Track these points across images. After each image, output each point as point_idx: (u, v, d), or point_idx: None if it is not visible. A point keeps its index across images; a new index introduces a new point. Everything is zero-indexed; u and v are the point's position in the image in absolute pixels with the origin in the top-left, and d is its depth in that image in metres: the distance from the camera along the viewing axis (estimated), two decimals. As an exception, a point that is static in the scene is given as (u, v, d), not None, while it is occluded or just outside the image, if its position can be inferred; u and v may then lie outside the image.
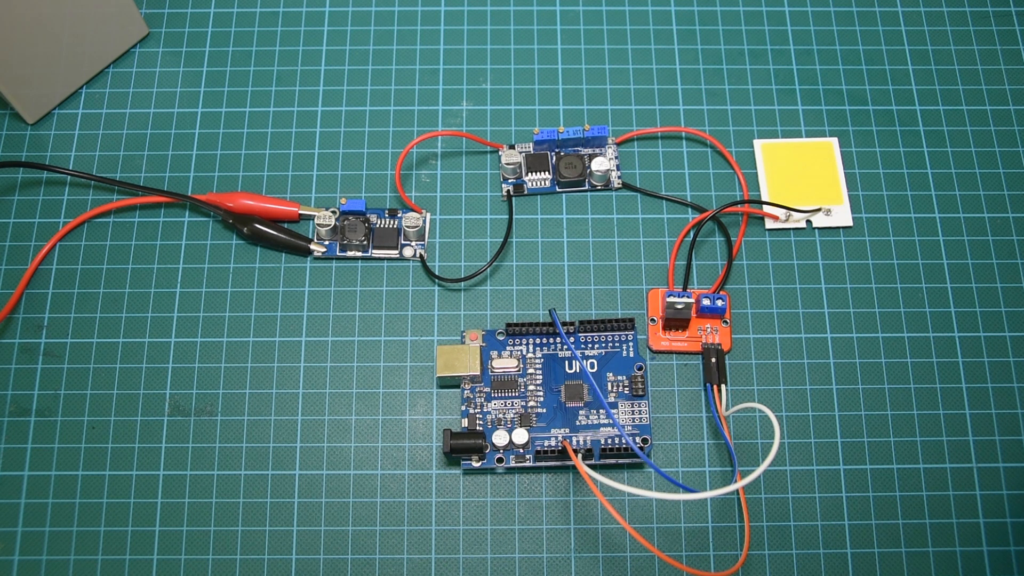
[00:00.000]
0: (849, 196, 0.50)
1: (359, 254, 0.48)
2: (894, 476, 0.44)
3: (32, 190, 0.50)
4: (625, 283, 0.48)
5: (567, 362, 0.45)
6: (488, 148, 0.51)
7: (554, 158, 0.50)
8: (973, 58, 0.53)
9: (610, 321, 0.46)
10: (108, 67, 0.53)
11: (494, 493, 0.44)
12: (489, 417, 0.44)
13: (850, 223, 0.49)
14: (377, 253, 0.48)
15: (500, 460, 0.44)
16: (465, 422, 0.44)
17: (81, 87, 0.53)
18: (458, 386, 0.46)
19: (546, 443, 0.44)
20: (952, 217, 0.49)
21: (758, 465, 0.45)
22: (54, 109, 0.52)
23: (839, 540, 0.43)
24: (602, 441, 0.44)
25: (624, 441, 0.43)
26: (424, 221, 0.49)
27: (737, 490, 0.42)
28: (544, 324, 0.45)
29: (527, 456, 0.44)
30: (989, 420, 0.45)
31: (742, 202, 0.49)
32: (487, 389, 0.45)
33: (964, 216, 0.49)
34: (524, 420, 0.44)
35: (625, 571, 0.43)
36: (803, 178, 0.50)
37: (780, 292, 0.48)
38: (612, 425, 0.44)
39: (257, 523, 0.44)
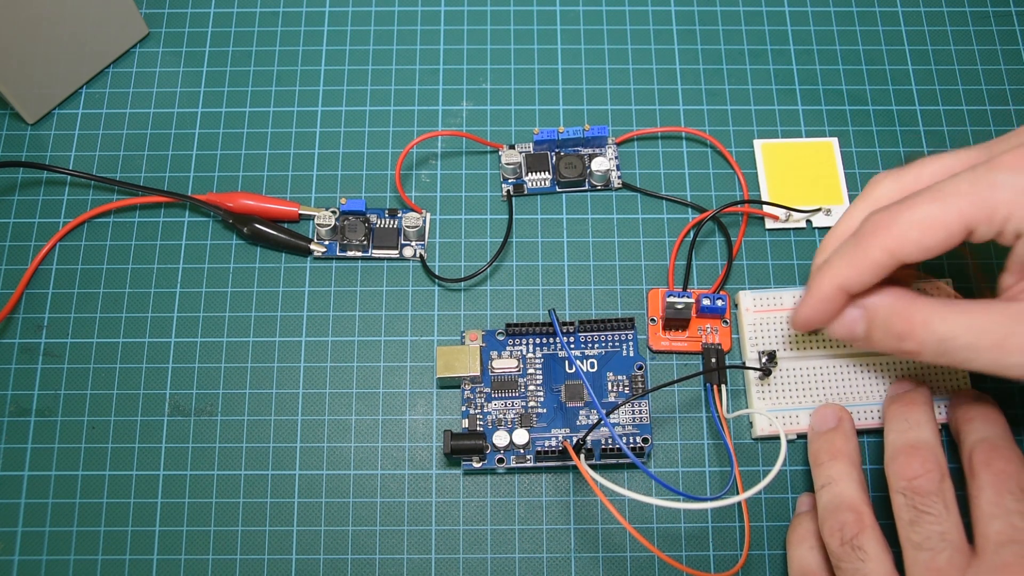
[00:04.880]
0: (849, 196, 0.50)
1: (359, 254, 0.48)
2: (894, 476, 0.44)
3: (32, 190, 0.50)
4: (625, 283, 0.48)
5: (567, 362, 0.45)
6: (488, 148, 0.51)
7: (554, 158, 0.50)
8: (973, 58, 0.53)
9: (610, 321, 0.46)
10: (108, 67, 0.53)
11: (494, 493, 0.44)
12: (489, 418, 0.44)
13: (850, 223, 0.49)
14: (377, 253, 0.48)
15: (501, 460, 0.44)
16: (465, 423, 0.44)
17: (81, 87, 0.53)
18: (458, 386, 0.46)
19: (546, 443, 0.44)
20: (952, 217, 0.49)
21: (758, 465, 0.45)
22: (54, 109, 0.52)
23: (839, 540, 0.43)
24: (603, 441, 0.44)
25: (626, 442, 0.43)
26: (424, 221, 0.49)
27: (736, 499, 0.42)
28: (544, 324, 0.45)
29: (527, 456, 0.44)
30: (989, 420, 0.45)
31: (742, 202, 0.49)
32: (487, 389, 0.45)
33: (964, 216, 0.49)
34: (524, 420, 0.44)
35: (625, 571, 0.43)
36: (803, 178, 0.50)
37: (780, 292, 0.48)
38: (613, 425, 0.44)
39: (257, 523, 0.44)
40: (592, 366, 0.45)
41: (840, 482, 0.39)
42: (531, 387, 0.45)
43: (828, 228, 0.49)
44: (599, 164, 0.49)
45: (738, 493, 0.43)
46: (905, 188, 0.39)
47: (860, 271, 0.38)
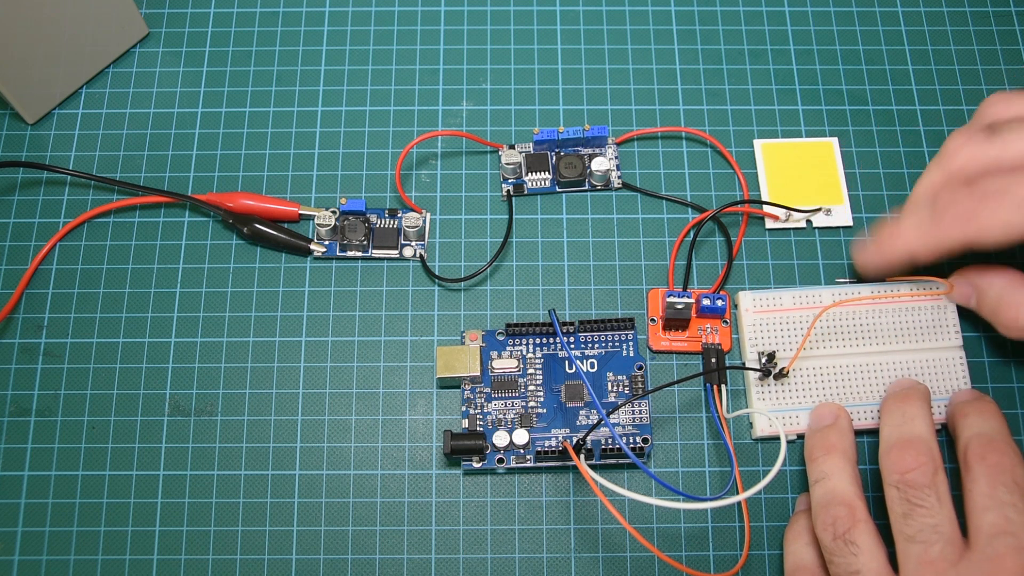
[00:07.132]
0: (849, 196, 0.50)
1: (359, 254, 0.48)
2: (894, 476, 0.44)
3: (32, 190, 0.50)
4: (625, 283, 0.48)
5: (567, 362, 0.45)
6: (488, 148, 0.51)
7: (554, 158, 0.50)
8: (973, 58, 0.53)
9: (610, 321, 0.46)
10: (108, 67, 0.53)
11: (494, 493, 0.44)
12: (489, 418, 0.44)
13: (850, 223, 0.49)
14: (377, 253, 0.48)
15: (501, 460, 0.44)
16: (465, 423, 0.44)
17: (81, 87, 0.53)
18: (458, 386, 0.46)
19: (546, 443, 0.44)
20: (952, 217, 0.49)
21: (758, 465, 0.45)
22: (54, 109, 0.52)
23: (839, 540, 0.43)
24: (603, 441, 0.44)
25: (627, 442, 0.43)
26: (424, 221, 0.49)
27: (736, 498, 0.42)
28: (544, 324, 0.45)
29: (527, 456, 0.44)
30: (989, 420, 0.45)
31: (742, 202, 0.49)
32: (487, 389, 0.45)
33: (964, 216, 0.49)
34: (524, 420, 0.44)
35: (625, 571, 0.43)
36: (803, 178, 0.50)
37: (780, 292, 0.48)
38: (613, 425, 0.44)
39: (257, 523, 0.44)
40: (592, 366, 0.45)
41: (833, 477, 0.39)
42: (531, 387, 0.45)
43: (828, 228, 0.49)
44: (599, 164, 0.49)
45: (738, 493, 0.43)
46: (988, 160, 0.41)
47: (932, 249, 0.41)
